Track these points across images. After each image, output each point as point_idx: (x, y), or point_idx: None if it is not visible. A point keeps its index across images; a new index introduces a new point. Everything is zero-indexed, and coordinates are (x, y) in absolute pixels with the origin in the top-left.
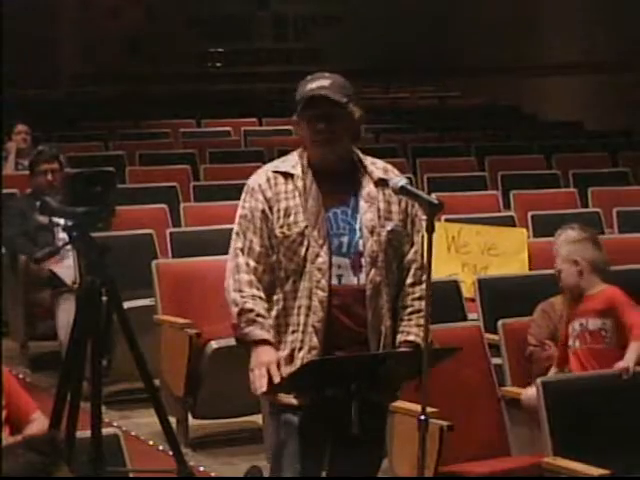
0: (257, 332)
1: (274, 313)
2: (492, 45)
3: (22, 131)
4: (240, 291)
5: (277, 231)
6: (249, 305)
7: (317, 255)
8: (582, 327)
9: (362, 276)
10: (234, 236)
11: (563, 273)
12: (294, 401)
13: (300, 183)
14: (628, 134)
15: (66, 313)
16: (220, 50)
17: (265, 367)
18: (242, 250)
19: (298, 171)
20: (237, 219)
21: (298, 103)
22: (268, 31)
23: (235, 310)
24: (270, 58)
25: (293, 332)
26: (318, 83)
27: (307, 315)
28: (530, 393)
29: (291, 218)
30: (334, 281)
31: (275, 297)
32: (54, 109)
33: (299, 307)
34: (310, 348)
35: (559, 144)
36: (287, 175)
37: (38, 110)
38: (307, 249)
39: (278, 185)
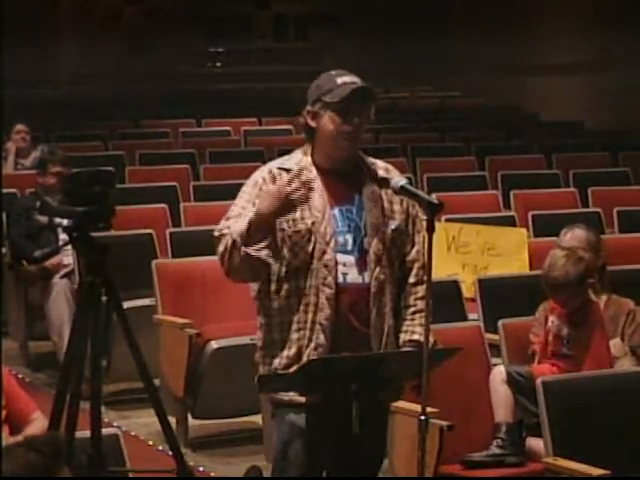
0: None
1: (275, 305)
2: (492, 45)
3: (22, 131)
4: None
5: (284, 225)
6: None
7: (324, 252)
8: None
9: (367, 274)
10: (222, 222)
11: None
12: (299, 399)
13: (305, 180)
14: (628, 134)
15: (56, 309)
16: (220, 50)
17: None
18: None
19: (303, 168)
20: (231, 207)
21: (323, 95)
22: (268, 31)
23: (226, 244)
24: (270, 58)
25: (299, 330)
26: (350, 78)
27: (315, 312)
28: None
29: (297, 214)
30: (340, 279)
31: (280, 293)
32: (54, 109)
33: (306, 304)
34: (317, 345)
35: (559, 144)
36: (291, 172)
37: (38, 110)
38: (314, 246)
39: (283, 181)
